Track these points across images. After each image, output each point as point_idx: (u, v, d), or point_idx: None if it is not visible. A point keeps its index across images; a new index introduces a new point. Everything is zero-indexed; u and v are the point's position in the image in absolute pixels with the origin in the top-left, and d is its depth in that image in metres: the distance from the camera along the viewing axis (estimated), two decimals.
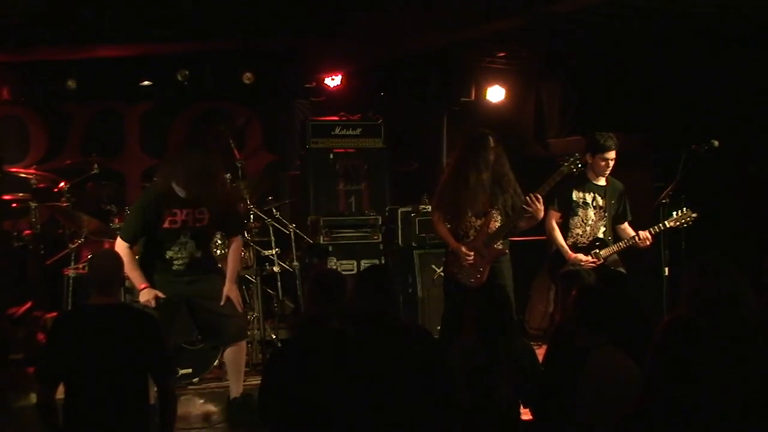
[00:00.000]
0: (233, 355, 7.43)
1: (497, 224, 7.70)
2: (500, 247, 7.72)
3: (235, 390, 7.39)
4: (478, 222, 7.73)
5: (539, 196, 7.58)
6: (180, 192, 7.05)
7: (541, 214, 7.66)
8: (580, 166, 7.83)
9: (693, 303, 4.90)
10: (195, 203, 7.11)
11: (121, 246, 6.95)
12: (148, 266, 7.15)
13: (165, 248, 7.13)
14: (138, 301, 6.95)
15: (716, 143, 7.90)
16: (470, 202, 7.70)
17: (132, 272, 6.93)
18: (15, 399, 8.01)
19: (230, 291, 7.24)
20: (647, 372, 4.36)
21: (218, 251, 8.06)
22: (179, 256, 7.15)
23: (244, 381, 7.49)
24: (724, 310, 4.70)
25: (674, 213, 7.88)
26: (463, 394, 5.36)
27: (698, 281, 4.95)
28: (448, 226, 7.86)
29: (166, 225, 7.08)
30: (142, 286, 6.95)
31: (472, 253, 7.69)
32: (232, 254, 7.45)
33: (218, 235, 7.98)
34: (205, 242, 7.37)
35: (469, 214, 7.72)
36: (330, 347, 5.08)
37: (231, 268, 7.38)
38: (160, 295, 6.96)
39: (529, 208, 7.58)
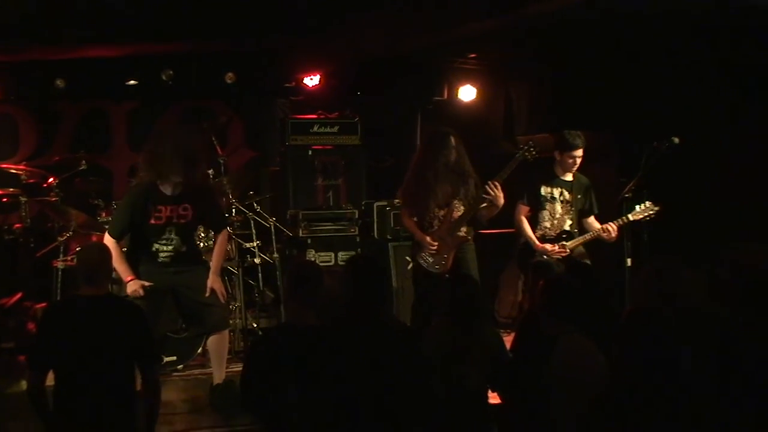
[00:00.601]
0: (216, 344, 7.43)
1: (459, 213, 7.84)
2: (463, 234, 7.81)
3: (218, 376, 7.38)
4: (442, 213, 7.86)
5: (497, 183, 7.73)
6: (165, 189, 7.08)
7: (501, 200, 7.79)
8: (533, 152, 7.91)
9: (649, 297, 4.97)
10: (179, 200, 7.12)
11: (108, 241, 6.92)
12: (134, 258, 7.15)
13: (151, 242, 7.14)
14: (126, 294, 6.95)
15: (677, 140, 7.94)
16: (432, 195, 7.85)
17: (119, 265, 6.92)
18: (6, 385, 7.97)
19: (214, 282, 7.24)
20: (614, 357, 4.39)
21: (201, 244, 8.04)
22: (165, 249, 7.15)
23: (227, 368, 7.48)
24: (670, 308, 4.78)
25: (637, 206, 7.92)
26: (438, 384, 5.39)
27: (649, 282, 5.06)
28: (414, 218, 7.94)
29: (152, 221, 7.08)
30: (129, 278, 6.95)
31: (437, 242, 7.82)
32: (217, 248, 7.47)
33: (201, 228, 7.95)
34: (190, 237, 7.36)
35: (433, 206, 7.84)
36: (305, 344, 5.09)
37: (216, 260, 7.39)
38: (146, 284, 6.97)
39: (489, 195, 7.72)
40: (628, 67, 9.28)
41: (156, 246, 7.14)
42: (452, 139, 7.89)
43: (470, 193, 7.85)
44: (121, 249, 7.07)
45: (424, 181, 7.89)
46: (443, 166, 7.84)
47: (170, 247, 7.16)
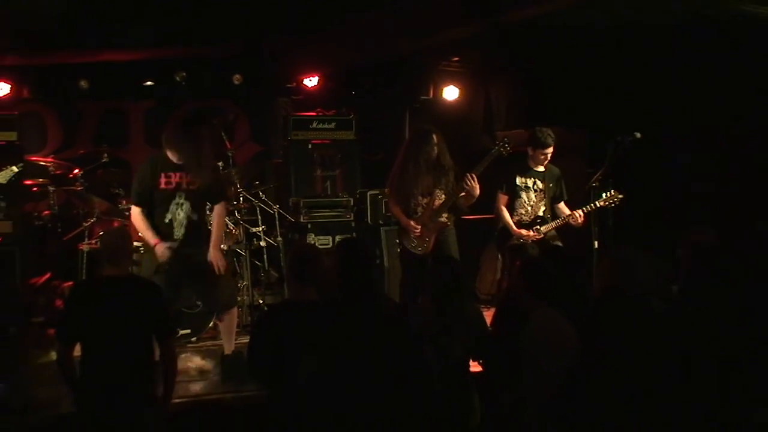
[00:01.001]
0: (226, 319, 7.43)
1: (440, 201, 7.88)
2: (444, 220, 7.86)
3: (228, 348, 7.39)
4: (424, 201, 7.90)
5: (474, 176, 7.76)
6: (173, 158, 7.06)
7: (477, 191, 7.81)
8: (508, 148, 7.92)
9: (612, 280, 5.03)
10: (186, 168, 7.10)
11: (135, 212, 6.99)
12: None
13: (164, 210, 7.07)
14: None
15: (639, 135, 8.01)
16: (416, 185, 7.91)
17: (146, 232, 6.95)
18: (37, 356, 7.99)
19: (213, 257, 7.17)
20: (585, 332, 4.42)
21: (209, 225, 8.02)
22: (178, 217, 7.10)
23: (236, 340, 7.49)
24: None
25: (603, 194, 7.97)
26: (428, 352, 5.41)
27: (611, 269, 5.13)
28: (400, 206, 7.99)
29: (162, 186, 7.05)
30: (155, 241, 6.93)
31: (419, 227, 7.88)
32: (216, 220, 7.41)
33: (209, 207, 7.90)
34: (199, 204, 7.27)
35: (416, 195, 7.89)
36: (306, 318, 5.11)
37: (214, 233, 7.31)
38: (173, 246, 6.97)
39: (466, 186, 7.75)
40: (595, 69, 9.31)
41: (169, 216, 7.08)
42: (434, 136, 7.93)
43: (450, 184, 7.89)
44: (145, 216, 7.06)
45: (408, 173, 7.94)
46: (425, 160, 7.89)
47: (182, 215, 7.14)
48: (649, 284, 5.08)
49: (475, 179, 7.76)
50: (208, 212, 7.85)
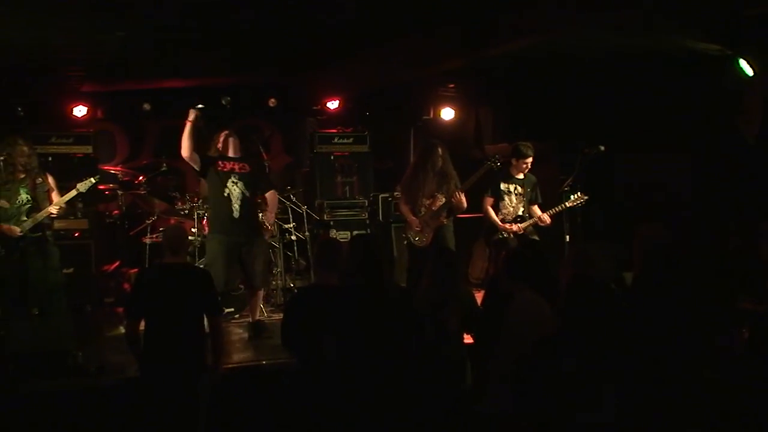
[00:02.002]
0: (255, 296, 7.72)
1: (439, 204, 7.87)
2: (442, 219, 7.90)
3: (253, 317, 7.71)
4: (427, 202, 7.90)
5: (460, 192, 7.84)
6: (226, 152, 7.49)
7: (463, 205, 7.89)
8: (498, 163, 8.01)
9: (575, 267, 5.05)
10: (238, 159, 7.49)
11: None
12: (217, 223, 7.46)
13: (223, 186, 7.31)
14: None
15: (602, 148, 8.02)
16: (421, 190, 7.94)
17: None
18: (108, 330, 8.02)
19: (266, 218, 7.70)
20: (558, 310, 4.41)
21: (262, 216, 8.04)
22: (234, 192, 7.31)
23: (271, 317, 7.79)
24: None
25: (571, 196, 7.98)
26: (429, 327, 5.42)
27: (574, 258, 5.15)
28: (408, 206, 7.99)
29: (219, 167, 7.37)
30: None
31: (421, 224, 7.93)
32: (269, 200, 7.74)
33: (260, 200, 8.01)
34: (251, 184, 7.49)
35: (421, 198, 7.91)
36: (330, 299, 5.13)
37: (270, 206, 7.73)
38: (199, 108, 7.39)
39: (454, 200, 7.83)
40: (567, 93, 9.29)
41: (226, 191, 7.31)
42: (439, 149, 8.00)
43: (450, 190, 7.90)
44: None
45: (417, 179, 7.99)
46: (431, 169, 7.93)
47: (237, 191, 7.31)
48: (607, 272, 5.09)
49: (461, 195, 7.83)
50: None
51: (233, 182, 7.34)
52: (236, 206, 7.30)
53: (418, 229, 7.92)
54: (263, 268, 7.68)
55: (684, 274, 5.17)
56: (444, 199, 7.87)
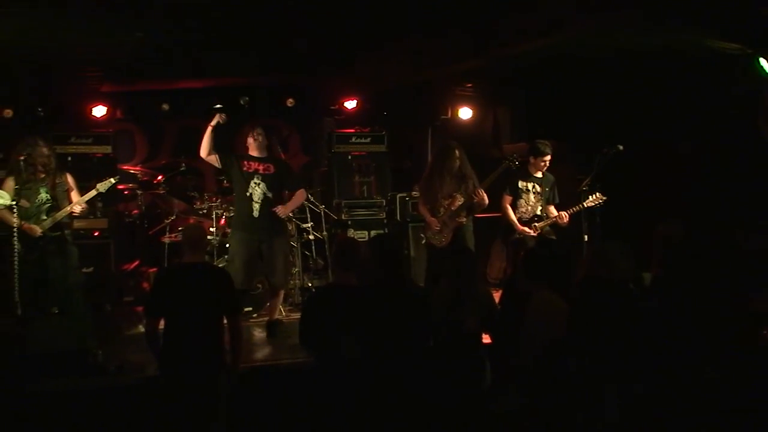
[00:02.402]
0: (276, 296, 7.70)
1: (458, 203, 7.84)
2: (461, 219, 7.86)
3: (271, 317, 7.71)
4: (446, 202, 7.88)
5: (480, 191, 7.81)
6: (252, 152, 7.56)
7: (485, 202, 7.87)
8: (516, 162, 8.01)
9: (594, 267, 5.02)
10: (263, 160, 7.53)
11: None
12: (238, 221, 7.53)
13: (246, 186, 7.41)
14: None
15: (621, 148, 7.96)
16: (440, 190, 7.92)
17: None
18: (127, 329, 8.04)
19: (281, 211, 7.50)
20: (571, 310, 4.40)
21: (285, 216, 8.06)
22: (256, 193, 7.39)
23: (290, 316, 7.75)
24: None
25: (590, 196, 7.94)
26: (443, 327, 5.41)
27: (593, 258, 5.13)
28: (427, 206, 7.98)
29: (243, 168, 7.44)
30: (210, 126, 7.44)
31: (440, 224, 7.90)
32: (297, 194, 7.75)
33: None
34: (273, 185, 7.53)
35: (439, 198, 7.89)
36: (347, 298, 5.13)
37: (291, 203, 7.69)
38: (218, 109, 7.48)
39: (475, 198, 7.78)
40: (585, 92, 9.26)
41: (249, 191, 7.39)
42: (456, 151, 7.98)
43: (468, 190, 7.88)
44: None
45: (434, 179, 7.98)
46: (448, 170, 7.91)
47: (259, 191, 7.38)
48: (626, 272, 5.06)
49: (482, 192, 7.81)
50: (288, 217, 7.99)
51: (256, 183, 7.43)
52: (257, 206, 7.38)
53: (437, 229, 7.91)
54: (284, 266, 7.67)
55: (702, 273, 5.14)
56: (462, 199, 7.85)
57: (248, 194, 7.40)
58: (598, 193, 7.90)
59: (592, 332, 4.17)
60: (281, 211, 7.50)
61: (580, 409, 4.08)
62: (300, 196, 7.83)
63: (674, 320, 4.77)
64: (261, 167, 7.50)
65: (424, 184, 8.15)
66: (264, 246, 7.41)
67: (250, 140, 7.63)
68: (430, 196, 8.01)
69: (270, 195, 7.45)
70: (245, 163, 7.49)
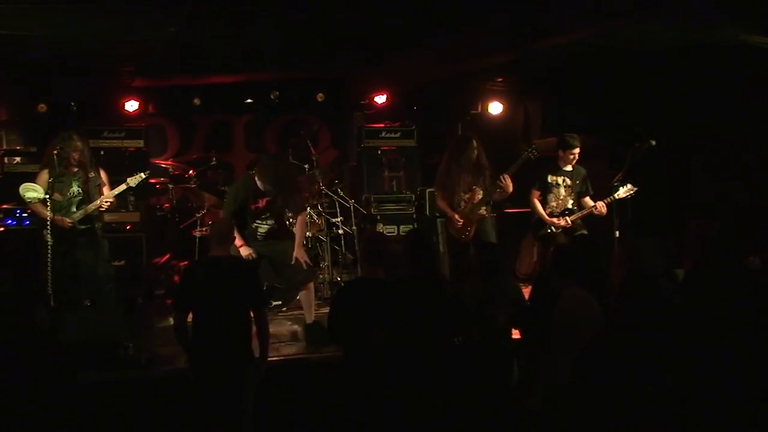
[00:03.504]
0: (305, 294, 7.48)
1: (479, 197, 7.81)
2: (483, 212, 7.82)
3: (309, 317, 7.42)
4: (466, 196, 7.85)
5: (507, 176, 7.78)
6: (261, 186, 7.17)
7: (510, 188, 7.83)
8: (535, 153, 7.95)
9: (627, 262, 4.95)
10: (271, 194, 7.22)
11: None
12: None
13: (253, 220, 7.26)
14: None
15: (654, 142, 7.87)
16: (458, 184, 7.89)
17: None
18: (158, 321, 8.08)
19: (298, 254, 7.27)
20: (613, 307, 4.30)
21: (291, 222, 8.01)
22: (262, 226, 7.28)
23: (318, 310, 7.53)
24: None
25: (621, 188, 7.85)
26: (473, 322, 5.37)
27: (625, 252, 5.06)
28: (446, 201, 7.99)
29: (252, 208, 7.22)
30: (241, 244, 6.97)
31: (462, 218, 7.87)
32: (297, 227, 7.50)
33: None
34: (281, 217, 7.46)
35: (459, 192, 7.84)
36: (376, 293, 5.11)
37: (298, 237, 7.42)
38: (254, 253, 7.04)
39: (501, 184, 7.75)
40: (615, 86, 9.16)
41: (255, 224, 7.25)
42: (473, 142, 7.96)
43: (487, 182, 7.86)
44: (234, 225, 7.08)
45: (452, 173, 7.97)
46: (466, 162, 7.88)
47: (266, 227, 7.27)
48: (656, 267, 4.98)
49: (508, 178, 7.74)
50: (289, 215, 7.90)
51: (263, 218, 7.31)
52: (261, 234, 7.32)
53: (460, 223, 7.86)
54: (297, 264, 7.35)
55: (735, 270, 5.05)
56: (482, 192, 7.81)
57: (254, 226, 7.28)
58: (629, 185, 7.81)
59: (638, 329, 4.08)
60: (302, 257, 7.32)
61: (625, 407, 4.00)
62: (302, 222, 7.59)
63: (705, 317, 4.68)
64: (268, 203, 7.30)
65: (441, 178, 8.12)
66: (271, 249, 7.30)
67: (256, 180, 7.27)
68: (448, 191, 7.98)
69: (276, 226, 7.37)
70: (253, 203, 7.27)
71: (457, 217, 7.86)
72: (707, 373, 4.43)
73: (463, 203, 7.88)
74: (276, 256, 7.27)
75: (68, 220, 7.11)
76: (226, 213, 7.13)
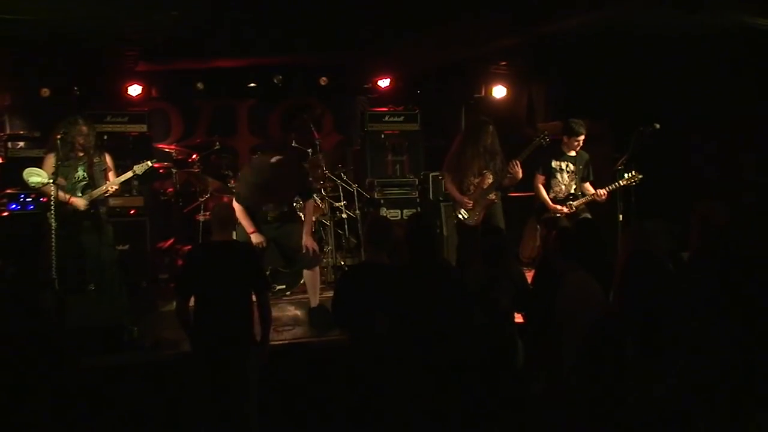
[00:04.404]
0: (309, 277, 7.46)
1: (489, 181, 7.76)
2: (492, 197, 7.80)
3: (313, 301, 7.41)
4: (476, 180, 7.80)
5: (518, 162, 7.73)
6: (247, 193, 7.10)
7: (520, 175, 7.78)
8: (547, 139, 7.88)
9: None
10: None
11: (238, 207, 6.94)
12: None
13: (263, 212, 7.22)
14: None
15: (657, 126, 7.84)
16: (470, 168, 7.83)
17: (244, 221, 6.93)
18: (163, 306, 8.09)
19: (307, 241, 7.22)
20: (618, 289, 4.30)
21: (297, 205, 8.00)
22: (271, 212, 7.24)
23: (322, 294, 7.49)
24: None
25: (625, 174, 7.83)
26: (476, 306, 5.37)
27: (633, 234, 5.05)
28: (455, 184, 7.94)
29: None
30: (252, 230, 6.97)
31: (471, 202, 7.80)
32: (306, 213, 7.43)
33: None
34: (289, 203, 7.43)
35: (470, 176, 7.81)
36: (379, 277, 5.11)
37: (307, 224, 7.36)
38: (265, 242, 7.01)
39: (511, 171, 7.71)
40: (620, 70, 9.13)
41: (265, 209, 7.21)
42: (490, 127, 7.89)
43: (498, 168, 7.81)
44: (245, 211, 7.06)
45: (465, 156, 7.87)
46: (480, 147, 7.82)
47: (275, 212, 7.22)
48: (664, 250, 4.98)
49: (519, 165, 7.71)
50: (299, 203, 7.89)
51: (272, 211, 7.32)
52: (271, 218, 7.28)
53: (469, 207, 7.84)
54: (304, 249, 7.27)
55: (741, 253, 5.04)
56: (492, 177, 7.78)
57: (263, 210, 7.25)
58: (633, 172, 7.79)
59: (647, 310, 4.08)
60: (311, 244, 7.24)
61: (631, 389, 4.01)
62: (311, 208, 7.48)
63: (710, 300, 4.68)
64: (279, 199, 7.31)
65: (452, 161, 8.04)
66: (280, 232, 7.27)
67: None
68: (458, 174, 7.93)
69: (285, 209, 7.38)
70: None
71: (466, 200, 7.84)
72: (713, 355, 4.43)
73: (472, 187, 7.86)
74: (283, 238, 7.25)
75: (82, 201, 7.11)
76: (239, 202, 7.06)
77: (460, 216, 7.93)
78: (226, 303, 5.28)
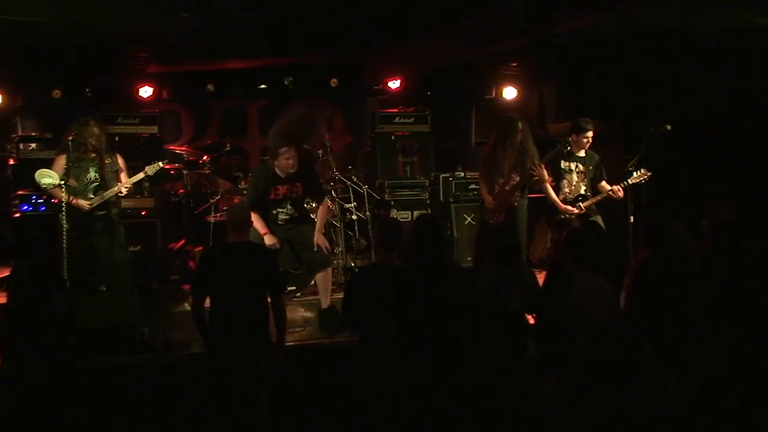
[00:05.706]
0: (321, 278, 7.48)
1: (513, 183, 7.82)
2: (514, 198, 7.84)
3: (325, 303, 7.44)
4: (501, 181, 7.83)
5: (542, 165, 7.80)
6: (281, 173, 7.16)
7: (545, 177, 7.82)
8: (568, 147, 8.02)
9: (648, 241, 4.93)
10: (292, 179, 7.20)
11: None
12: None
13: (273, 208, 7.24)
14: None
15: (669, 127, 7.84)
16: (498, 168, 7.93)
17: (257, 222, 6.93)
18: (174, 307, 8.12)
19: (319, 240, 7.28)
20: (628, 289, 4.29)
21: (308, 206, 8.03)
22: (282, 214, 7.27)
23: (332, 296, 7.51)
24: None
25: (634, 173, 7.83)
26: (487, 307, 5.38)
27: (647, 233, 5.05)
28: (486, 183, 8.05)
29: (272, 196, 7.19)
30: (265, 232, 7.01)
31: (494, 202, 7.91)
32: (319, 213, 7.48)
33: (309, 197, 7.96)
34: (301, 205, 7.45)
35: (497, 176, 7.90)
36: (389, 278, 5.11)
37: (319, 223, 7.42)
38: (278, 243, 7.05)
39: (534, 173, 7.76)
40: (630, 70, 9.12)
41: (276, 211, 7.24)
42: (519, 123, 7.97)
43: (526, 168, 7.87)
44: (256, 213, 7.06)
45: (496, 156, 7.97)
46: (510, 144, 7.88)
47: (286, 215, 7.26)
48: (680, 249, 4.98)
49: (542, 167, 7.81)
50: (310, 200, 7.91)
51: (283, 206, 7.28)
52: (282, 220, 7.30)
53: (490, 206, 7.90)
54: (320, 247, 7.37)
55: (752, 253, 5.04)
56: (518, 179, 7.83)
57: (274, 212, 7.26)
58: (642, 169, 7.79)
59: (662, 311, 4.06)
60: (322, 243, 7.31)
61: (643, 393, 4.00)
62: (324, 209, 7.54)
63: (722, 300, 4.68)
64: (290, 190, 7.27)
65: (485, 160, 8.13)
66: (292, 233, 7.32)
67: (283, 162, 7.13)
68: (488, 173, 8.00)
69: (297, 214, 7.35)
70: (273, 191, 7.22)
71: (489, 200, 7.90)
72: (726, 355, 4.43)
73: (497, 188, 7.91)
74: (295, 239, 7.30)
75: (86, 203, 7.15)
76: (247, 202, 7.11)
77: (483, 214, 8.08)
78: (241, 304, 5.32)
